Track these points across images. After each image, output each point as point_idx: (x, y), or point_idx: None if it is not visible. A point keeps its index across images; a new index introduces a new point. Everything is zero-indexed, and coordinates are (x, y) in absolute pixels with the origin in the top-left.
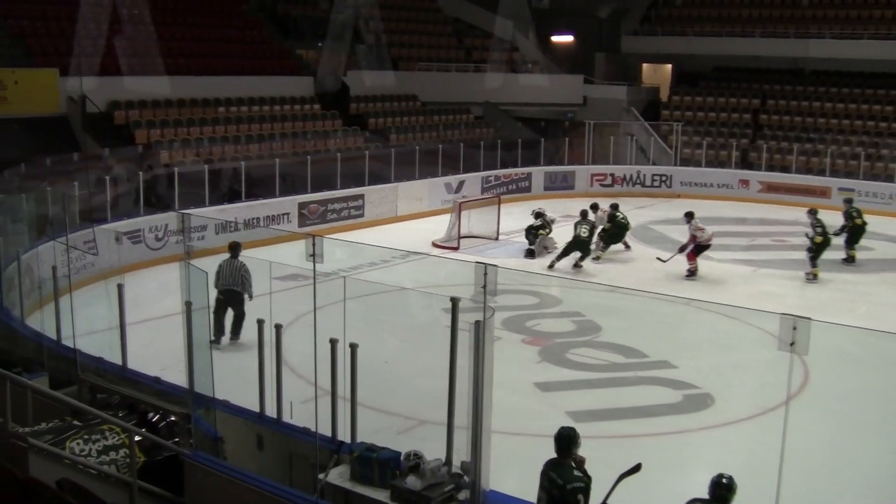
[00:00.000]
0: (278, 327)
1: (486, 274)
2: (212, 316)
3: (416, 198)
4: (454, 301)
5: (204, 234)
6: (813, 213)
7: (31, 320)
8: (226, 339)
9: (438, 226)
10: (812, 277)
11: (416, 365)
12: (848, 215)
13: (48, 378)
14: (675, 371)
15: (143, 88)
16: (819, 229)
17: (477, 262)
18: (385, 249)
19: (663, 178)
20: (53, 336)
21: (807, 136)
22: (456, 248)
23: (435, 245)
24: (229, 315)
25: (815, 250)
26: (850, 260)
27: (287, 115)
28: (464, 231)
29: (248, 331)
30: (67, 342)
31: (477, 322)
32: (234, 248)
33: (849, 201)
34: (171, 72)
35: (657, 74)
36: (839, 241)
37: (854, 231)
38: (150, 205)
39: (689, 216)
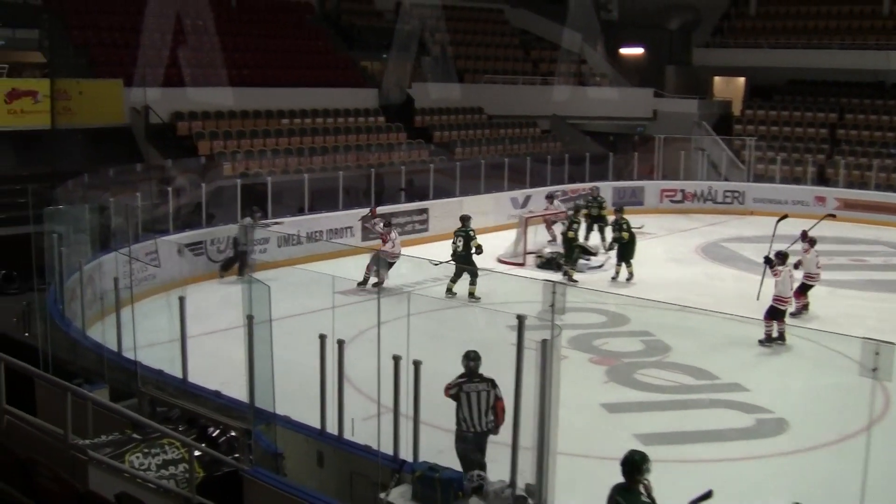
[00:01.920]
0: (340, 343)
1: (554, 292)
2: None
3: (482, 212)
4: (520, 319)
5: (266, 247)
6: None
7: (92, 331)
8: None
9: (504, 241)
10: None
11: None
12: None
13: (108, 390)
14: (747, 394)
15: (206, 99)
16: None
17: (545, 280)
18: (449, 265)
19: (736, 195)
20: (114, 348)
21: (887, 152)
22: (522, 265)
23: (500, 261)
24: None
25: None
26: None
27: (351, 127)
28: (530, 247)
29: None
30: (128, 354)
31: (544, 340)
32: None
33: None
34: (235, 83)
35: (729, 88)
36: None
37: None
38: (211, 217)
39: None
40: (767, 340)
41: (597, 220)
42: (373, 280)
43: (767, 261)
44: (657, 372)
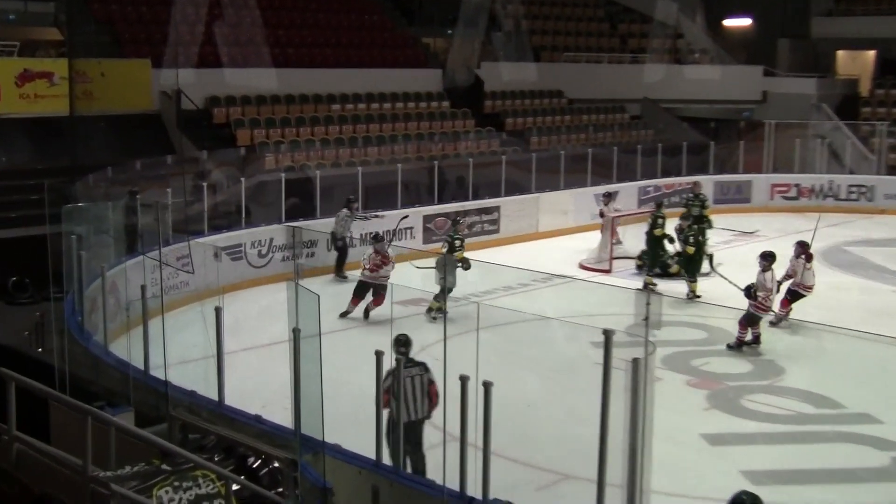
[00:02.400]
0: (399, 360)
1: (648, 303)
2: None
3: (561, 211)
4: (607, 334)
5: (314, 251)
6: None
7: (115, 346)
8: None
9: (587, 244)
10: None
11: (560, 409)
12: None
13: (134, 414)
14: (880, 427)
15: (246, 83)
16: None
17: (637, 289)
18: (524, 271)
19: (863, 190)
20: (141, 366)
21: None
22: (608, 272)
23: (583, 267)
24: None
25: None
26: None
27: (411, 113)
28: (617, 251)
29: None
30: (157, 373)
31: (635, 360)
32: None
33: None
34: (279, 64)
35: (856, 63)
36: None
37: None
38: (252, 216)
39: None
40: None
41: (698, 220)
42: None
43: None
44: (769, 398)
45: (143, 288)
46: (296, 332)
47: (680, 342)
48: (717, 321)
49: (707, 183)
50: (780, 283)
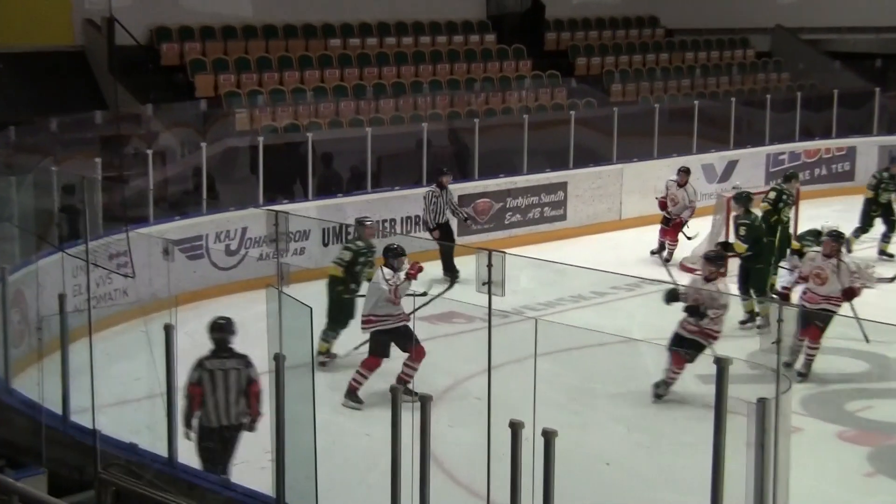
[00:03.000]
0: (424, 400)
1: (780, 320)
2: None
3: (654, 189)
4: (721, 363)
5: (305, 245)
6: None
7: (21, 382)
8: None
9: (691, 236)
10: None
11: (652, 469)
12: None
13: (47, 477)
14: None
15: (208, 7)
16: None
17: (760, 299)
18: (601, 274)
19: None
20: (58, 410)
21: None
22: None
23: (685, 269)
24: None
25: None
26: None
27: (442, 51)
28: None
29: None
30: (81, 419)
31: (762, 400)
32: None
33: None
34: None
35: None
36: None
37: None
38: (217, 197)
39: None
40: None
41: (887, 210)
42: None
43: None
44: None
45: (61, 298)
46: (278, 360)
47: (829, 377)
48: (885, 347)
49: (868, 148)
50: None
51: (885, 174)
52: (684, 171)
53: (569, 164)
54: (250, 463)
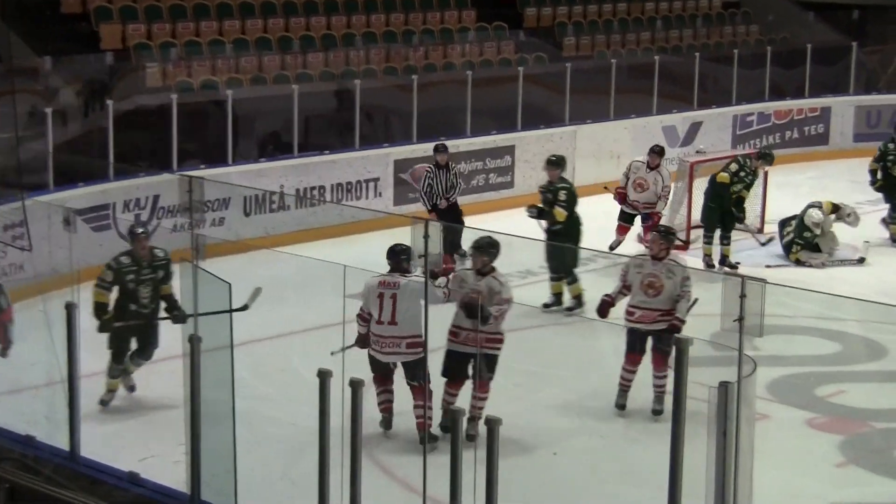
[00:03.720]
0: (355, 385)
1: (742, 295)
2: None
3: (611, 154)
4: (680, 344)
5: (224, 215)
6: None
7: None
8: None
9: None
10: None
11: (605, 460)
12: None
13: None
14: None
15: None
16: None
17: (726, 273)
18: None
19: None
20: None
21: None
22: (684, 247)
23: (643, 241)
24: None
25: None
26: None
27: (374, 1)
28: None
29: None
30: None
31: (723, 384)
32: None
33: None
34: None
35: None
36: None
37: None
38: (126, 161)
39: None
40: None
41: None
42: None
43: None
44: None
45: None
46: (193, 343)
47: (797, 359)
48: (855, 326)
49: (843, 109)
50: None
51: (892, 145)
52: (657, 152)
53: (517, 126)
54: (162, 457)
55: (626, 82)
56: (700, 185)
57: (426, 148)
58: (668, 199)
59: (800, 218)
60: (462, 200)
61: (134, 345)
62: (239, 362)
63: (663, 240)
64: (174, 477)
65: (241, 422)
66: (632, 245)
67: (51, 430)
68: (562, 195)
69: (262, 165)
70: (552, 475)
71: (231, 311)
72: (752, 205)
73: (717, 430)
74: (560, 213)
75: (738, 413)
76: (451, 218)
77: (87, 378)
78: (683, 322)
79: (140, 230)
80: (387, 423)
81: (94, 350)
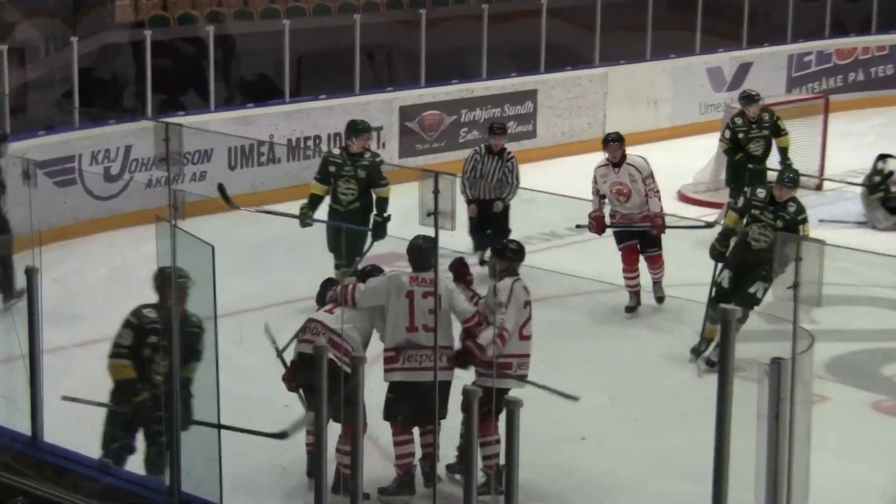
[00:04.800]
0: (357, 362)
1: (798, 258)
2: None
3: (646, 100)
4: (727, 315)
5: (206, 169)
6: None
7: None
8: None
9: (691, 159)
10: None
11: (641, 445)
12: None
13: None
14: None
15: None
16: None
17: (779, 233)
18: (579, 205)
19: None
20: None
21: None
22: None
23: (684, 198)
24: None
25: None
26: None
27: None
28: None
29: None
30: None
31: (776, 361)
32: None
33: None
34: None
35: None
36: None
37: None
38: (92, 105)
39: None
40: None
41: None
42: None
43: None
44: None
45: None
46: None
47: (861, 333)
48: None
49: None
50: None
51: None
52: (614, 140)
53: (539, 68)
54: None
55: (664, 17)
56: None
57: (435, 93)
58: (658, 193)
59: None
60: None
61: None
62: (223, 335)
63: (617, 143)
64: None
65: (226, 403)
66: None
67: (10, 411)
68: None
69: (248, 112)
70: (579, 463)
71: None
72: (804, 156)
73: (768, 413)
74: None
75: (793, 394)
76: (495, 224)
77: (50, 353)
78: (662, 219)
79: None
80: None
81: (58, 322)
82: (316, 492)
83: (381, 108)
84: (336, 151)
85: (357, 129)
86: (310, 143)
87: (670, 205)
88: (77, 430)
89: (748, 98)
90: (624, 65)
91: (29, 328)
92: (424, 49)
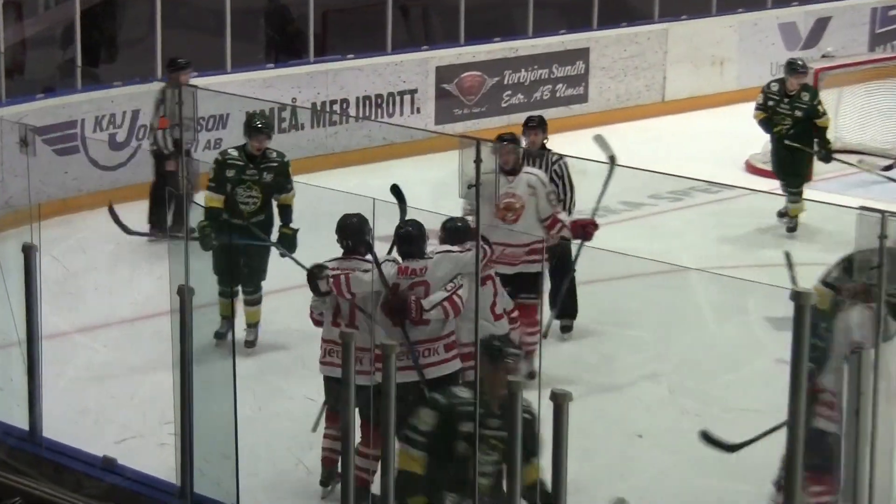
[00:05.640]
0: (387, 350)
1: (882, 235)
2: None
3: (710, 59)
4: (801, 299)
5: (222, 136)
6: None
7: None
8: None
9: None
10: None
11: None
12: None
13: None
14: None
15: None
16: None
17: (861, 209)
18: (636, 177)
19: None
20: None
21: None
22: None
23: (753, 169)
24: None
25: None
26: None
27: None
28: (849, 139)
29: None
30: None
31: (856, 351)
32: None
33: None
34: None
35: None
36: None
37: None
38: (96, 65)
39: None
40: None
41: None
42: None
43: None
44: None
45: None
46: (183, 295)
47: None
48: None
49: None
50: None
51: None
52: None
53: (592, 24)
54: (144, 437)
55: None
56: (826, 99)
57: (475, 52)
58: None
59: None
60: (520, 117)
61: None
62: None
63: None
64: (159, 463)
65: (244, 393)
66: None
67: (6, 403)
68: None
69: (269, 73)
70: (635, 463)
71: None
72: (889, 124)
73: (846, 408)
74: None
75: (875, 387)
76: (558, 262)
77: (49, 339)
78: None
79: None
80: None
81: (59, 304)
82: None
83: (415, 68)
84: (232, 152)
85: (254, 127)
86: (336, 107)
87: (738, 176)
88: (79, 423)
89: (791, 67)
90: (686, 20)
91: (26, 311)
92: (464, 3)
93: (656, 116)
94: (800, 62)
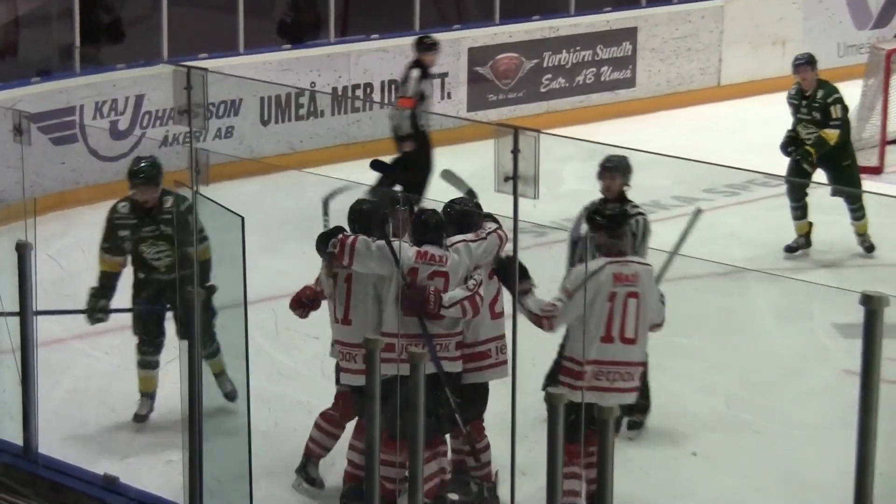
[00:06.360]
0: (416, 358)
1: None
2: None
3: (771, 39)
4: (871, 303)
5: (234, 124)
6: None
7: None
8: None
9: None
10: None
11: (763, 461)
12: None
13: None
14: None
15: None
16: None
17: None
18: (689, 168)
19: None
20: None
21: None
22: (878, 170)
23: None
24: None
25: None
26: None
27: None
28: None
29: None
30: None
31: None
32: None
33: None
34: None
35: None
36: None
37: None
38: (95, 43)
39: None
40: None
41: None
42: None
43: None
44: None
45: None
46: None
47: None
48: None
49: None
50: None
51: None
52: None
53: (640, 0)
54: (150, 455)
55: None
56: None
57: (511, 31)
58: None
59: None
60: (561, 103)
61: None
62: (254, 325)
63: None
64: (165, 482)
65: (258, 404)
66: None
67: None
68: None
69: (285, 55)
70: (689, 484)
71: None
72: None
73: None
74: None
75: None
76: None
77: (45, 346)
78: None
79: None
80: None
81: (56, 308)
82: None
83: (446, 50)
84: (122, 208)
85: (135, 172)
86: (359, 93)
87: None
88: (77, 439)
89: (794, 63)
90: None
91: (20, 316)
92: None
93: (711, 102)
94: (804, 55)
